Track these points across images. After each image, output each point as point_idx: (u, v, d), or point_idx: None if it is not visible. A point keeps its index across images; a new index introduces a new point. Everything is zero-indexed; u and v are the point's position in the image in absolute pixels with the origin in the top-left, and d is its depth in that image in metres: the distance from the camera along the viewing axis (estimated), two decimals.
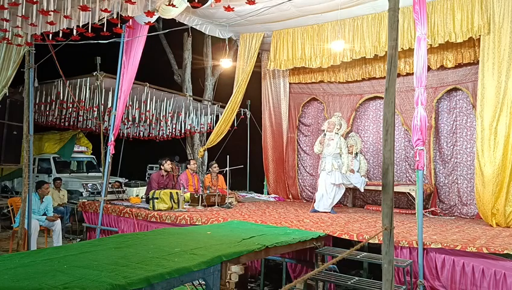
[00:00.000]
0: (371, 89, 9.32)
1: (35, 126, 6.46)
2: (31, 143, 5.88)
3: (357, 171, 8.48)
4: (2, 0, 4.40)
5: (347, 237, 5.05)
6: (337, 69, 9.27)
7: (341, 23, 7.78)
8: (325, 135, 7.32)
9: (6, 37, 5.11)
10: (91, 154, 12.53)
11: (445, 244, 4.52)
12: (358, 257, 4.53)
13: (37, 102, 9.62)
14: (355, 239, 4.93)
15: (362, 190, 8.43)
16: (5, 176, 10.56)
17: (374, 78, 8.98)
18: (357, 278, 4.41)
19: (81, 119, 11.08)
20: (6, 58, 5.79)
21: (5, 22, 4.80)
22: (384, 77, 2.81)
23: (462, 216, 7.88)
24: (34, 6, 4.51)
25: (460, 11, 6.69)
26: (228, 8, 4.77)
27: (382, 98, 8.75)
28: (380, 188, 7.82)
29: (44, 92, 9.66)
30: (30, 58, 5.83)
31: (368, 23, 7.65)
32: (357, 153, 8.68)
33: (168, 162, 7.85)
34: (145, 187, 8.38)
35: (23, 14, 4.45)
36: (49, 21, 4.65)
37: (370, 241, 4.60)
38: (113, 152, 6.95)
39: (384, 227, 2.25)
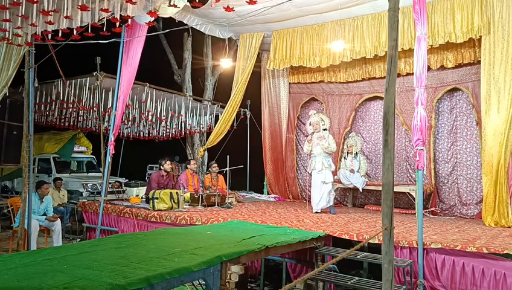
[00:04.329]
0: (370, 89, 9.32)
1: (35, 126, 6.46)
2: (31, 143, 5.88)
3: (357, 171, 8.48)
4: (2, 0, 4.39)
5: (347, 237, 5.06)
6: (337, 69, 9.26)
7: (341, 23, 7.78)
8: (313, 134, 7.33)
9: (6, 37, 5.10)
10: (91, 154, 12.53)
11: (445, 244, 4.53)
12: (358, 257, 4.53)
13: (37, 102, 9.60)
14: (355, 239, 4.93)
15: (361, 190, 8.43)
16: (5, 176, 10.55)
17: (374, 78, 8.97)
18: (357, 278, 4.41)
19: (81, 119, 11.06)
20: (6, 58, 5.78)
21: (4, 22, 4.80)
22: (384, 77, 2.81)
23: (462, 216, 7.87)
24: (34, 6, 4.51)
25: (460, 11, 6.68)
26: (228, 8, 4.77)
27: (382, 98, 8.74)
28: (380, 188, 7.82)
29: (44, 92, 9.65)
30: (30, 58, 5.82)
31: (367, 23, 7.65)
32: (357, 153, 8.68)
33: (168, 162, 7.84)
34: (145, 187, 8.39)
35: (23, 14, 4.45)
36: (49, 21, 4.65)
37: (370, 241, 4.60)
38: (113, 152, 6.95)
39: (384, 227, 2.25)
